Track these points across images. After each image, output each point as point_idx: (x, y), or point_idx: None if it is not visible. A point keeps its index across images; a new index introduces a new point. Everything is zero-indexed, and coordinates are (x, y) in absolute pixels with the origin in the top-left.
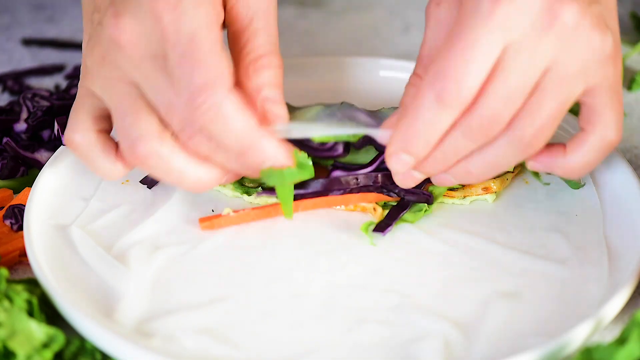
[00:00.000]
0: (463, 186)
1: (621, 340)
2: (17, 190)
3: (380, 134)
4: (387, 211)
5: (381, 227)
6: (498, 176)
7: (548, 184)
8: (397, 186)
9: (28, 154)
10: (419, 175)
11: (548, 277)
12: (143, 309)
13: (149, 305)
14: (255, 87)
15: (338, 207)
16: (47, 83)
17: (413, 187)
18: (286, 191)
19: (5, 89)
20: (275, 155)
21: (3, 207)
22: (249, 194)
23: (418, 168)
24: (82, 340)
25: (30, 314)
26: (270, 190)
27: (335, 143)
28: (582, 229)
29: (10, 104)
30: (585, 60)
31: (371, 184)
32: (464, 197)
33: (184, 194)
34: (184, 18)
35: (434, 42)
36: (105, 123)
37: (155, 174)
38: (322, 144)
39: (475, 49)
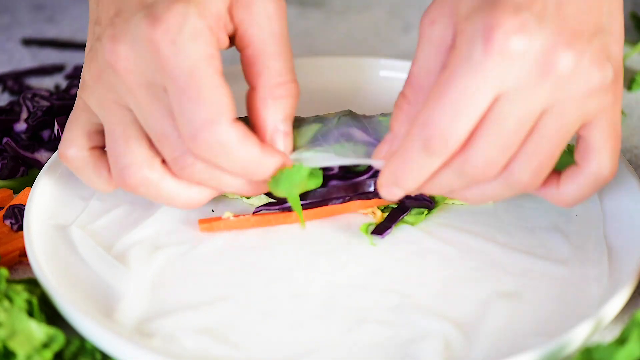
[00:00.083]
0: None
1: (621, 340)
2: (17, 190)
3: (374, 164)
4: (387, 214)
5: (380, 229)
6: None
7: None
8: None
9: (28, 154)
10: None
11: (548, 277)
12: (143, 309)
13: (149, 305)
14: (272, 117)
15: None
16: (47, 83)
17: None
18: (295, 201)
19: (5, 89)
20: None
21: (3, 207)
22: (248, 197)
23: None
24: (82, 340)
25: (30, 314)
26: (269, 205)
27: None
28: (582, 229)
29: (10, 104)
30: (583, 98)
31: (370, 190)
32: None
33: None
34: (184, 51)
35: (425, 62)
36: (99, 138)
37: (145, 197)
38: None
39: (464, 101)
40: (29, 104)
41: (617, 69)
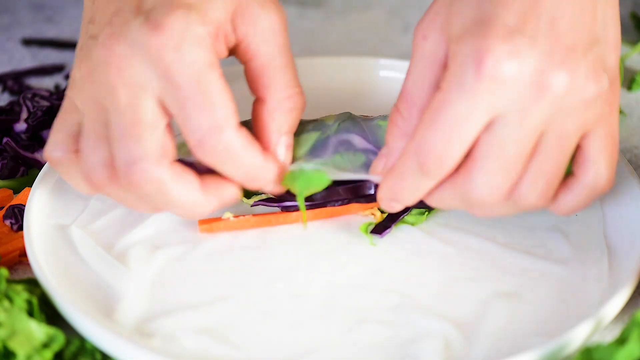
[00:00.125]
0: None
1: (621, 340)
2: (17, 190)
3: (372, 179)
4: (387, 214)
5: (379, 229)
6: None
7: None
8: None
9: (28, 154)
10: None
11: (548, 277)
12: (143, 309)
13: (149, 305)
14: (277, 129)
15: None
16: (47, 83)
17: None
18: (302, 201)
19: (5, 89)
20: (274, 181)
21: (3, 207)
22: (248, 197)
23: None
24: (82, 340)
25: (30, 314)
26: (266, 200)
27: None
28: (582, 229)
29: (10, 104)
30: (581, 112)
31: (371, 193)
32: None
33: None
34: (187, 58)
35: (418, 77)
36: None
37: (144, 200)
38: None
39: (457, 125)
40: (29, 104)
41: (613, 77)
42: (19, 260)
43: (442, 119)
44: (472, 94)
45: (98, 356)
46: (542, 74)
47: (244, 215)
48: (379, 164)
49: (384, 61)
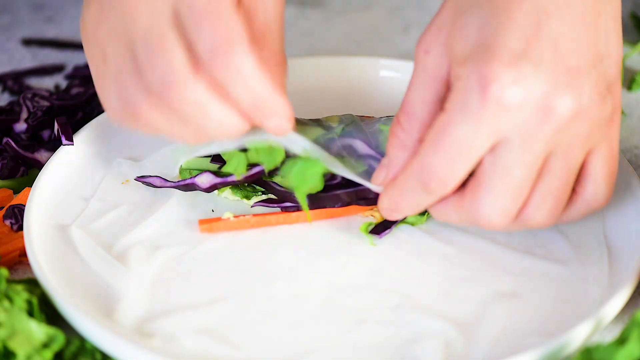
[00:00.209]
0: None
1: (621, 340)
2: (17, 190)
3: (373, 188)
4: None
5: (379, 229)
6: None
7: None
8: None
9: (28, 154)
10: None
11: (548, 277)
12: (143, 309)
13: (149, 305)
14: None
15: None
16: (47, 83)
17: None
18: (302, 197)
19: (5, 89)
20: (282, 111)
21: (3, 207)
22: (248, 198)
23: None
24: (82, 340)
25: (30, 314)
26: (266, 201)
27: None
28: (582, 229)
29: (10, 104)
30: (586, 133)
31: (371, 197)
32: None
33: (184, 194)
34: None
35: (419, 92)
36: None
37: (183, 123)
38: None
39: (461, 148)
40: (29, 104)
41: (615, 92)
42: (19, 260)
43: (446, 141)
44: (476, 118)
45: (98, 356)
46: (547, 98)
47: (244, 215)
48: (380, 175)
49: (384, 61)
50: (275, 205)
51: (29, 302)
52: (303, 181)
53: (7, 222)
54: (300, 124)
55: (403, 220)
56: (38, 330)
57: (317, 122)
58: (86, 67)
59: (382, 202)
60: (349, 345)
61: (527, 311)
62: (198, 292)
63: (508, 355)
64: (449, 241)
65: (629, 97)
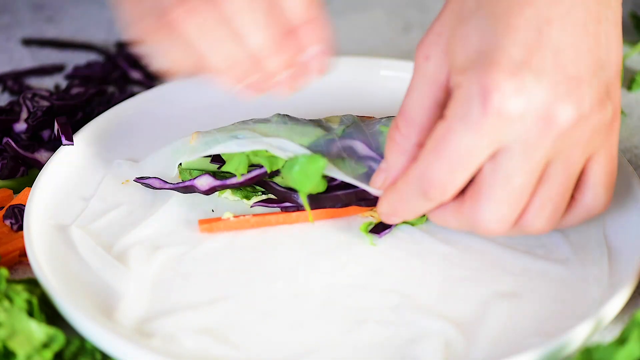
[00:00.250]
0: None
1: (621, 340)
2: (17, 190)
3: (372, 192)
4: None
5: (379, 229)
6: None
7: None
8: None
9: (28, 154)
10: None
11: (548, 277)
12: (143, 309)
13: (149, 305)
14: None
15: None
16: (47, 83)
17: None
18: (304, 196)
19: (5, 89)
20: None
21: (3, 207)
22: (248, 198)
23: None
24: (82, 340)
25: (30, 314)
26: (266, 201)
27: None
28: (582, 229)
29: (10, 104)
30: (586, 140)
31: (371, 198)
32: None
33: (183, 194)
34: None
35: (418, 97)
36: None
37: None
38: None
39: (461, 157)
40: (29, 104)
41: (615, 97)
42: (19, 260)
43: (447, 149)
44: (477, 128)
45: (98, 356)
46: (548, 108)
47: (244, 215)
48: (378, 179)
49: (384, 61)
50: (275, 205)
51: (29, 302)
52: (306, 180)
53: (7, 222)
54: (301, 125)
55: (404, 222)
56: (38, 330)
57: (318, 123)
58: (86, 67)
59: (382, 207)
60: (349, 345)
61: (527, 311)
62: (198, 292)
63: (508, 355)
64: (449, 241)
65: (629, 97)
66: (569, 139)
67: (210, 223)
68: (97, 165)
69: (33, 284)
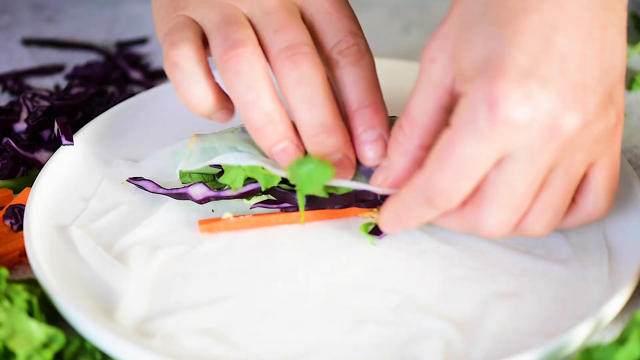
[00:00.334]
0: None
1: (621, 340)
2: (17, 190)
3: (372, 190)
4: None
5: (378, 230)
6: None
7: None
8: None
9: (28, 154)
10: None
11: (548, 277)
12: (143, 309)
13: (149, 305)
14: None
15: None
16: (47, 83)
17: None
18: (302, 197)
19: (5, 89)
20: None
21: (3, 207)
22: (248, 198)
23: None
24: (82, 340)
25: (30, 314)
26: (265, 202)
27: None
28: (582, 229)
29: (10, 104)
30: (589, 147)
31: (370, 199)
32: None
33: None
34: None
35: (423, 99)
36: (204, 50)
37: (239, 81)
38: None
39: (467, 165)
40: (29, 104)
41: (618, 103)
42: (19, 260)
43: (452, 158)
44: (484, 137)
45: (98, 356)
46: (554, 117)
47: (244, 215)
48: (379, 176)
49: (384, 61)
50: (275, 206)
51: (29, 302)
52: (309, 183)
53: (7, 222)
54: None
55: None
56: (38, 330)
57: None
58: (86, 67)
59: (384, 215)
60: (349, 345)
61: (527, 311)
62: (198, 292)
63: (508, 355)
64: (449, 241)
65: (629, 97)
66: (573, 145)
67: (210, 223)
68: (97, 165)
69: (33, 284)
